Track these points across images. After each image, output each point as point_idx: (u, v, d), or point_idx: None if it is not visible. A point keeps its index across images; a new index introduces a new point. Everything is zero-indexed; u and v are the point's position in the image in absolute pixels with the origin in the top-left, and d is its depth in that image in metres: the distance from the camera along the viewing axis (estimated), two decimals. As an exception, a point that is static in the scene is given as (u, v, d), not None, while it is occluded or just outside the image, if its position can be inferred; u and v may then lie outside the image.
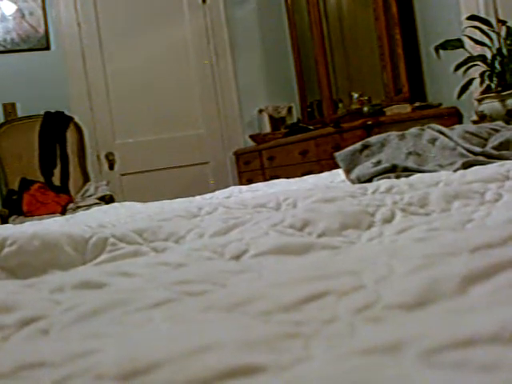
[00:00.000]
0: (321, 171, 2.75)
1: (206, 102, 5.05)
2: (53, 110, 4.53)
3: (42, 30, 4.70)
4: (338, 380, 0.36)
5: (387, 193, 1.29)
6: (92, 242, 1.01)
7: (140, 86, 4.88)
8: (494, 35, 3.07)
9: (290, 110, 5.10)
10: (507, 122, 2.40)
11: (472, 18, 3.10)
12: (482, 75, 3.06)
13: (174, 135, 4.95)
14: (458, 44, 3.10)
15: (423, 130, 2.05)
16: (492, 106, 2.95)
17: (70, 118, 4.54)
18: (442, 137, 1.96)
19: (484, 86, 3.08)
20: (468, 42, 3.15)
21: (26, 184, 4.30)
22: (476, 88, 3.15)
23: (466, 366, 0.35)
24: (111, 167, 4.85)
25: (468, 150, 1.87)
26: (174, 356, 0.42)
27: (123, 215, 1.63)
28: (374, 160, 1.93)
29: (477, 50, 3.15)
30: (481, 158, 1.81)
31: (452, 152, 1.88)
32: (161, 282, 0.71)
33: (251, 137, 4.95)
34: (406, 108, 3.73)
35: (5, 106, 4.60)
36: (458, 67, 3.06)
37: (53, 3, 4.72)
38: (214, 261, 0.88)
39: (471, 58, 3.05)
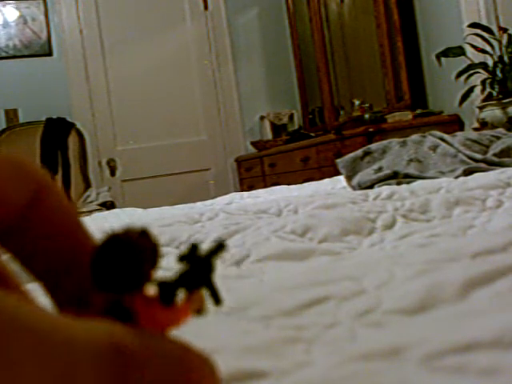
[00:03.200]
0: (322, 178, 2.75)
1: (207, 109, 5.06)
2: (54, 117, 4.54)
3: (44, 36, 4.72)
4: (339, 384, 0.36)
5: (388, 199, 1.29)
6: (93, 247, 1.00)
7: (141, 93, 4.89)
8: (495, 43, 3.07)
9: (291, 116, 5.11)
10: (508, 130, 2.40)
11: (473, 25, 3.11)
12: (483, 83, 3.07)
13: (175, 141, 4.96)
14: (459, 51, 3.11)
15: (424, 136, 2.05)
16: (493, 113, 2.95)
17: (72, 125, 4.55)
18: (443, 144, 1.96)
19: (485, 93, 3.09)
20: (469, 50, 3.16)
21: (27, 190, 4.30)
22: (477, 95, 3.16)
23: (467, 371, 0.35)
24: (112, 173, 4.85)
25: (469, 157, 1.87)
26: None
27: (124, 221, 1.63)
28: (375, 167, 1.93)
29: (478, 58, 3.16)
30: (482, 165, 1.81)
31: (453, 159, 1.88)
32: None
33: (252, 143, 4.96)
34: (407, 115, 3.73)
35: (7, 111, 4.61)
36: (459, 75, 3.07)
37: (55, 10, 4.73)
38: (214, 266, 0.88)
39: (472, 66, 3.06)
